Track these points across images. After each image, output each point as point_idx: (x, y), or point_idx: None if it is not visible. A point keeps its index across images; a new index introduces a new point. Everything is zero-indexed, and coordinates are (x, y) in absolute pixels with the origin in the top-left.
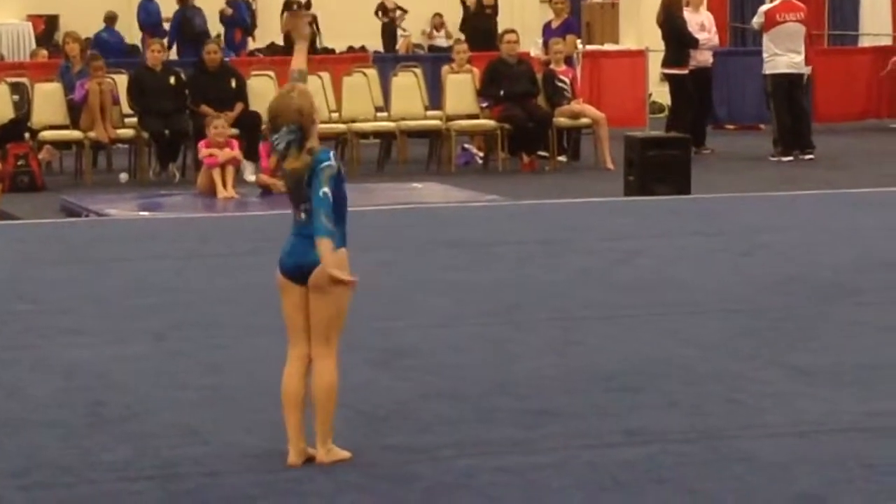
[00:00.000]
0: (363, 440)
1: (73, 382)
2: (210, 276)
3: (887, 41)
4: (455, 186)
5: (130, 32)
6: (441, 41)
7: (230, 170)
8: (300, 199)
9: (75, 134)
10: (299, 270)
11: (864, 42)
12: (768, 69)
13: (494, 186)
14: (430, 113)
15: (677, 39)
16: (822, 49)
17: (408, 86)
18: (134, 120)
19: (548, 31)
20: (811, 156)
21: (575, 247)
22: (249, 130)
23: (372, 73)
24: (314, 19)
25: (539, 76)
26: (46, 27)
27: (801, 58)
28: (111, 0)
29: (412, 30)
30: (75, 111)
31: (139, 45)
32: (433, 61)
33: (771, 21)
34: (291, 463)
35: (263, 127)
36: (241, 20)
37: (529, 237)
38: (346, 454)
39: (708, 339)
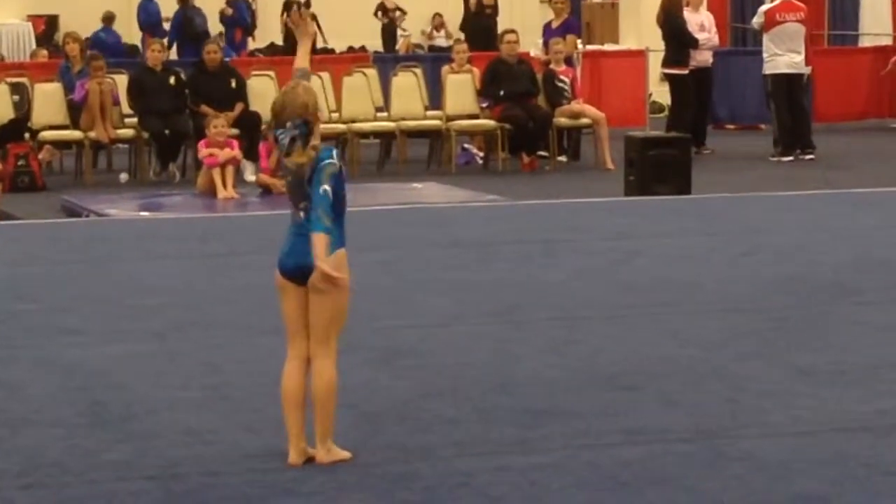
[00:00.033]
0: (363, 440)
1: (73, 382)
2: (210, 276)
3: (887, 41)
4: (455, 186)
5: (130, 32)
6: (441, 41)
7: (230, 170)
8: (300, 198)
9: (75, 134)
10: (299, 271)
11: (864, 42)
12: (768, 69)
13: (494, 186)
14: (430, 113)
15: (677, 39)
16: (823, 49)
17: (408, 86)
18: (134, 120)
19: (548, 31)
20: (811, 156)
21: (575, 247)
22: (249, 130)
23: (372, 73)
24: (314, 18)
25: (539, 76)
26: (46, 27)
27: (801, 58)
28: (111, 0)
29: (412, 30)
30: (75, 111)
31: (139, 45)
32: (433, 61)
33: (771, 21)
34: (292, 463)
35: (263, 127)
36: (241, 20)
37: (529, 237)
38: (346, 454)
39: (708, 339)
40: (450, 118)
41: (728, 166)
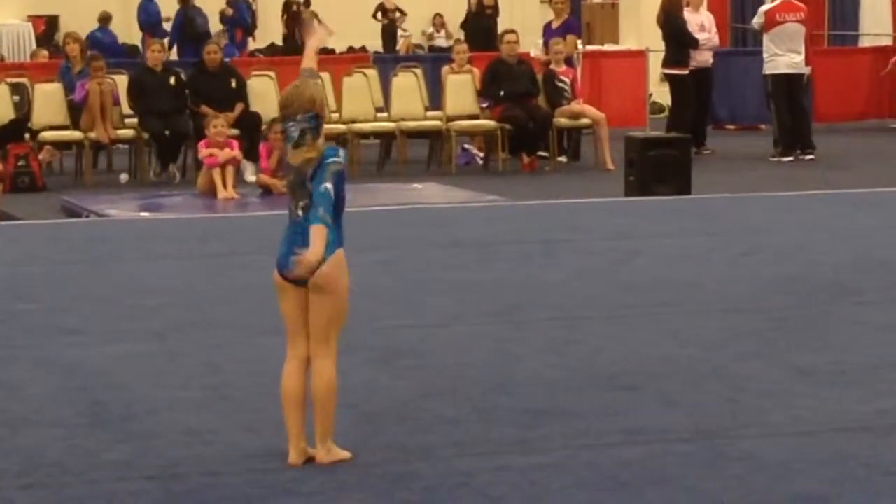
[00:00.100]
0: (363, 440)
1: (73, 382)
2: (210, 276)
3: (887, 41)
4: (455, 187)
5: (130, 33)
6: (441, 41)
7: (230, 170)
8: (302, 196)
9: (76, 134)
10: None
11: (864, 42)
12: (768, 69)
13: (495, 187)
14: (430, 113)
15: (677, 40)
16: (823, 49)
17: (408, 86)
18: (134, 120)
19: (548, 31)
20: (811, 156)
21: (575, 247)
22: (250, 131)
23: (372, 73)
24: (314, 15)
25: (539, 76)
26: (47, 28)
27: (801, 58)
28: (111, 0)
29: (412, 30)
30: (76, 111)
31: (139, 45)
32: (433, 62)
33: (771, 21)
34: (292, 463)
35: (264, 127)
36: (241, 20)
37: (530, 237)
38: (346, 454)
39: (708, 339)
40: (450, 118)
41: (728, 166)
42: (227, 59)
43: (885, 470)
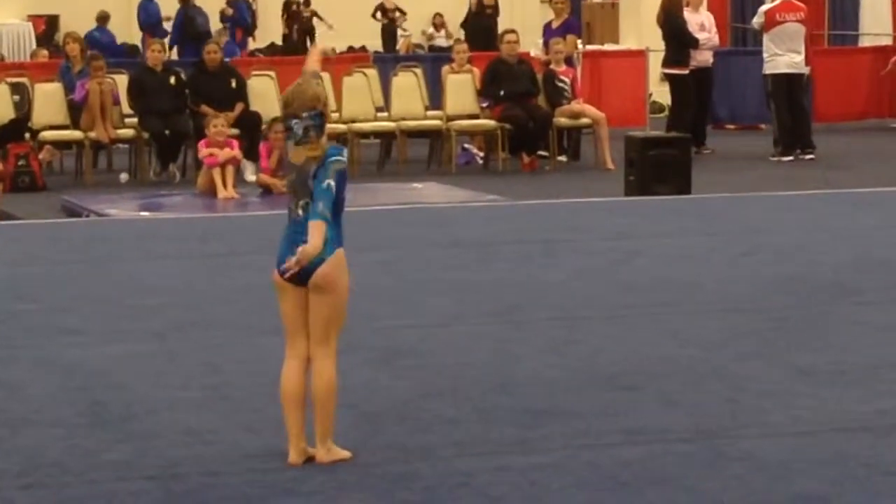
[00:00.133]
0: (363, 440)
1: (73, 382)
2: (210, 276)
3: (887, 41)
4: (455, 186)
5: (130, 32)
6: (441, 41)
7: (230, 170)
8: (303, 195)
9: (76, 134)
10: (298, 271)
11: (865, 42)
12: (768, 69)
13: (495, 186)
14: (430, 113)
15: (677, 39)
16: (822, 49)
17: (408, 86)
18: (134, 120)
19: (548, 31)
20: (811, 156)
21: (575, 247)
22: (250, 130)
23: (372, 73)
24: (314, 14)
25: (539, 76)
26: (47, 27)
27: (801, 58)
28: (111, 0)
29: (412, 30)
30: (76, 111)
31: (139, 45)
32: (433, 61)
33: (771, 21)
34: (292, 462)
35: (263, 127)
36: (241, 20)
37: (530, 237)
38: (346, 454)
39: (708, 339)
40: (450, 118)
41: (728, 166)
42: (228, 58)
43: (885, 470)
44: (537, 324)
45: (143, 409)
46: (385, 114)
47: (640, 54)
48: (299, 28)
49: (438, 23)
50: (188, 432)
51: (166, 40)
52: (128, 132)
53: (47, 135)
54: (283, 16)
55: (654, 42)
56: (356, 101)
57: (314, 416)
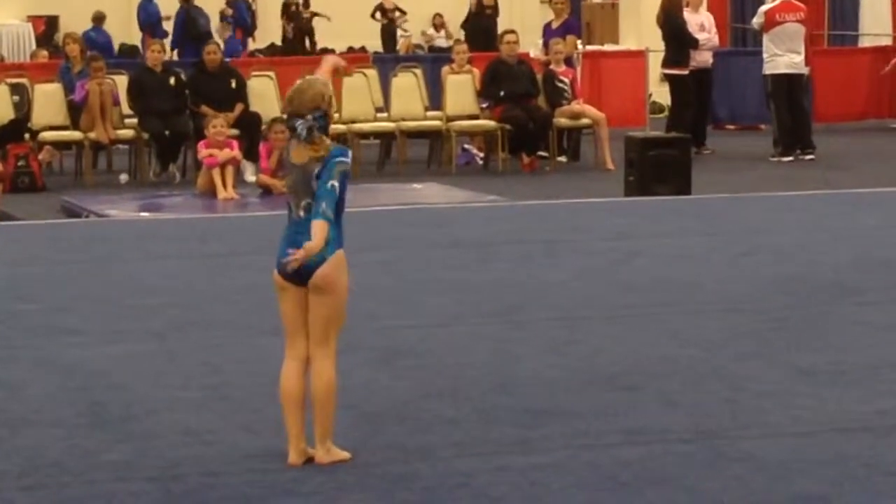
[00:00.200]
0: (363, 440)
1: (73, 382)
2: (210, 277)
3: (887, 41)
4: (455, 187)
5: (130, 33)
6: (441, 41)
7: (230, 170)
8: (304, 195)
9: (75, 134)
10: (298, 271)
11: (864, 42)
12: (768, 69)
13: (495, 187)
14: (430, 113)
15: (677, 40)
16: (822, 49)
17: (408, 86)
18: (134, 120)
19: (548, 31)
20: (811, 156)
21: (575, 247)
22: (249, 131)
23: (372, 73)
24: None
25: (539, 77)
26: (47, 28)
27: (801, 58)
28: (111, 0)
29: (412, 30)
30: (75, 112)
31: (139, 45)
32: (433, 62)
33: (771, 21)
34: (291, 463)
35: (263, 127)
36: (241, 20)
37: (530, 237)
38: (345, 454)
39: (708, 339)
40: (450, 118)
41: (728, 166)
42: (231, 55)
43: (885, 470)
44: (537, 324)
45: (143, 409)
46: (385, 114)
47: (640, 55)
48: (297, 28)
49: (438, 23)
50: (188, 432)
51: (167, 41)
52: (127, 133)
53: (47, 135)
54: (282, 17)
55: (653, 42)
56: (356, 101)
57: (313, 416)
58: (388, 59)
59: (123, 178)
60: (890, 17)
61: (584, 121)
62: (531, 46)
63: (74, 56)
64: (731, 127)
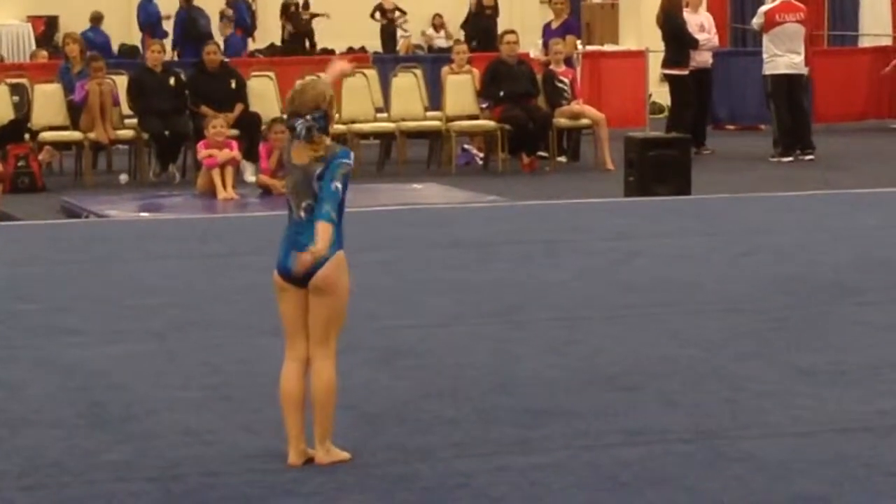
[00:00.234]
0: (363, 440)
1: (72, 382)
2: (210, 277)
3: (887, 41)
4: (455, 187)
5: (130, 33)
6: (441, 42)
7: (230, 171)
8: (305, 196)
9: (75, 135)
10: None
11: (864, 42)
12: (768, 70)
13: (494, 187)
14: (430, 114)
15: (677, 40)
16: (822, 49)
17: (408, 86)
18: (134, 121)
19: (548, 31)
20: (811, 156)
21: (575, 247)
22: (249, 131)
23: (372, 73)
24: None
25: (539, 77)
26: (46, 28)
27: (800, 58)
28: (111, 1)
29: (412, 30)
30: (75, 112)
31: (139, 45)
32: (433, 62)
33: (771, 22)
34: (291, 463)
35: (263, 127)
36: (241, 20)
37: (529, 237)
38: (345, 455)
39: (708, 339)
40: (450, 119)
41: (728, 167)
42: (233, 54)
43: (885, 470)
44: (537, 324)
45: (143, 409)
46: (385, 114)
47: (640, 55)
48: (296, 29)
49: (438, 23)
50: (188, 433)
51: (167, 41)
52: (127, 133)
53: (47, 136)
54: (281, 17)
55: (653, 43)
56: (356, 101)
57: (313, 416)
58: (388, 60)
59: (123, 178)
60: (890, 17)
61: (584, 121)
62: (531, 47)
63: (74, 56)
64: (731, 127)
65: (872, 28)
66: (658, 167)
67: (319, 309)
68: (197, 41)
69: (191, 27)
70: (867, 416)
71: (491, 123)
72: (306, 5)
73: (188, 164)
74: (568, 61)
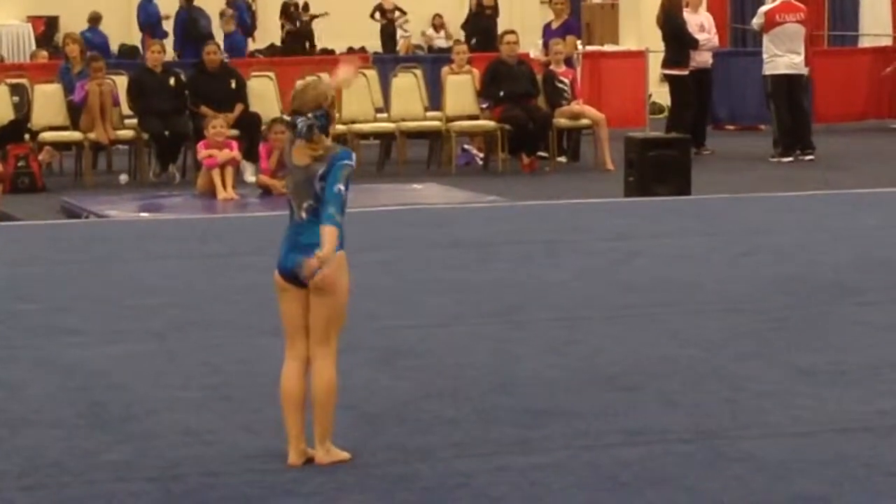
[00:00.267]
0: (363, 440)
1: (72, 382)
2: (210, 277)
3: (887, 41)
4: (455, 187)
5: (130, 33)
6: (441, 42)
7: (230, 171)
8: (306, 196)
9: (75, 135)
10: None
11: (864, 42)
12: (768, 70)
13: (494, 187)
14: (430, 114)
15: (677, 40)
16: (822, 49)
17: (408, 87)
18: (134, 121)
19: (548, 31)
20: (811, 156)
21: (575, 247)
22: (249, 131)
23: (372, 74)
24: (312, 17)
25: (539, 77)
26: (46, 28)
27: (800, 58)
28: (110, 1)
29: (412, 30)
30: (75, 112)
31: (139, 45)
32: (433, 62)
33: (771, 22)
34: (291, 463)
35: (263, 128)
36: (241, 21)
37: (529, 237)
38: (345, 455)
39: (708, 339)
40: (450, 119)
41: (728, 167)
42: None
43: (885, 470)
44: (537, 324)
45: (143, 409)
46: (385, 115)
47: (640, 55)
48: (295, 31)
49: (438, 24)
50: (188, 433)
51: (168, 41)
52: (127, 133)
53: (47, 136)
54: (281, 17)
55: (653, 43)
56: (356, 101)
57: (313, 416)
58: (388, 60)
59: (123, 178)
60: (890, 17)
61: (584, 121)
62: (531, 47)
63: (74, 56)
64: (731, 127)
65: (872, 28)
66: (658, 167)
67: (320, 309)
68: (198, 41)
69: (192, 27)
70: (867, 416)
71: (491, 123)
72: (306, 7)
73: (188, 165)
74: (568, 61)
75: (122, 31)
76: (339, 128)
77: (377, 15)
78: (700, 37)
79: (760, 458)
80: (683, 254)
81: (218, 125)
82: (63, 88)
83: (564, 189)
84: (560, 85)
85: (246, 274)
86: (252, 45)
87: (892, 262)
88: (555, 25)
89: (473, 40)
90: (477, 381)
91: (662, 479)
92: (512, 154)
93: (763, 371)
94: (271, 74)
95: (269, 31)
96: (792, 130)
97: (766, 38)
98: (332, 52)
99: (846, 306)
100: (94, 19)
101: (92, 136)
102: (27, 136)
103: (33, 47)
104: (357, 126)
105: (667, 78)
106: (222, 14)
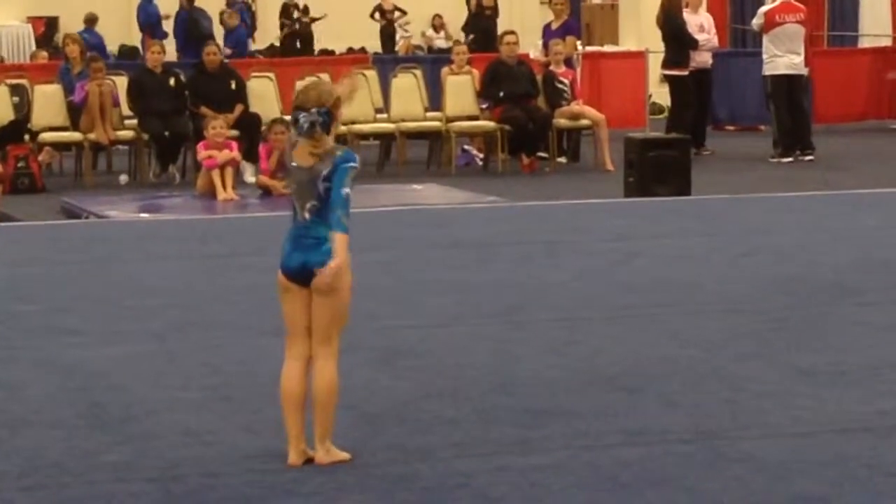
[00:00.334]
0: (363, 440)
1: (73, 382)
2: (210, 277)
3: (887, 41)
4: (455, 188)
5: (130, 34)
6: (440, 43)
7: (230, 171)
8: (309, 196)
9: (75, 135)
10: (304, 272)
11: (864, 42)
12: (768, 70)
13: (494, 187)
14: (429, 114)
15: (677, 41)
16: (822, 50)
17: (407, 87)
18: (134, 121)
19: (548, 32)
20: (811, 157)
21: (575, 247)
22: (249, 132)
23: (371, 74)
24: (313, 20)
25: (539, 77)
26: (46, 29)
27: (800, 59)
28: (110, 1)
29: (412, 31)
30: (75, 113)
31: (139, 46)
32: (433, 62)
33: (770, 22)
34: (291, 463)
35: (263, 128)
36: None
37: (529, 238)
38: (345, 455)
39: (708, 339)
40: (449, 119)
41: (728, 167)
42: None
43: (885, 471)
44: (537, 324)
45: (143, 410)
46: (384, 115)
47: (640, 55)
48: (295, 33)
49: (438, 24)
50: (188, 433)
51: (169, 42)
52: (127, 134)
53: (47, 136)
54: (280, 18)
55: (653, 43)
56: (356, 102)
57: (314, 416)
58: (388, 60)
59: (123, 179)
60: (890, 17)
61: (584, 122)
62: (531, 47)
63: (74, 57)
64: (731, 128)
65: (872, 28)
66: (658, 168)
67: (322, 309)
68: (199, 42)
69: (192, 28)
70: (867, 417)
71: (491, 124)
72: (306, 9)
73: (188, 165)
74: (568, 62)
75: (121, 31)
76: (340, 128)
77: (377, 15)
78: (700, 37)
79: (760, 459)
80: (683, 254)
81: (218, 126)
82: (63, 89)
83: (564, 189)
84: (560, 85)
85: (246, 275)
86: (252, 46)
87: (892, 262)
88: (555, 26)
89: (471, 36)
90: (477, 381)
91: (662, 480)
92: (512, 154)
93: (763, 371)
94: (271, 75)
95: (269, 31)
96: (792, 131)
97: (765, 39)
98: (331, 52)
99: (846, 307)
100: (91, 20)
101: (92, 136)
102: (27, 137)
103: (33, 48)
104: (357, 126)
105: (667, 78)
106: (223, 13)
